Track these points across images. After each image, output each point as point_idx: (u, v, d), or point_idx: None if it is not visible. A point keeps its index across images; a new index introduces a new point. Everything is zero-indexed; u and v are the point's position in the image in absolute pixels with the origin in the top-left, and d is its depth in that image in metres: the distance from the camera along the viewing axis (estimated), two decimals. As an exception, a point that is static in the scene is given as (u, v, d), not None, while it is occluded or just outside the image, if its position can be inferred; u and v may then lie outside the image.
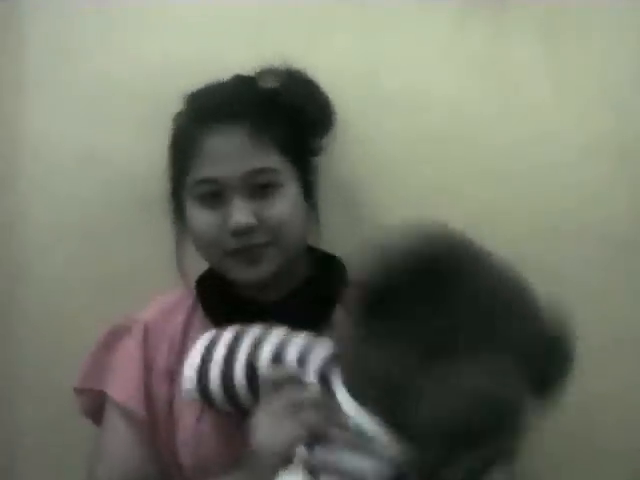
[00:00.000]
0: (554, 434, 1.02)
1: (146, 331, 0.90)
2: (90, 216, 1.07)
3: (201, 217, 0.86)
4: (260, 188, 0.85)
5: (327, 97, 0.91)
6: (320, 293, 0.88)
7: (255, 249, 0.85)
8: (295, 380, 0.70)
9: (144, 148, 1.05)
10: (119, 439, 0.87)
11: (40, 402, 1.08)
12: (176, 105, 0.91)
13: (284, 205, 0.86)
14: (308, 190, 0.91)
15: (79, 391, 0.93)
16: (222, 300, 0.90)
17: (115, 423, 0.88)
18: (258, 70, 0.89)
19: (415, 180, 1.04)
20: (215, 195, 0.85)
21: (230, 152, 0.84)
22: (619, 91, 1.01)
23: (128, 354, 0.89)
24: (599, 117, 1.01)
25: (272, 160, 0.85)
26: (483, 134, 1.03)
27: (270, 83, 0.88)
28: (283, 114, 0.86)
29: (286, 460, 0.64)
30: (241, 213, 0.83)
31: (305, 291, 0.90)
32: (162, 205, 1.04)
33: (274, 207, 0.85)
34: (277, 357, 0.72)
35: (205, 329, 0.80)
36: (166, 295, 0.95)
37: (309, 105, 0.89)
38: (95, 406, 0.92)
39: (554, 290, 1.01)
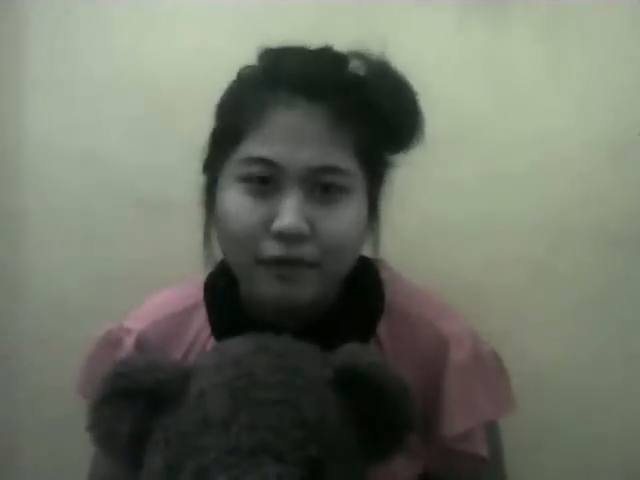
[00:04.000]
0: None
1: (139, 343, 0.78)
2: (90, 216, 1.07)
3: (240, 205, 0.67)
4: (322, 190, 0.67)
5: (418, 103, 0.73)
6: (352, 324, 0.73)
7: (296, 267, 0.67)
8: None
9: (144, 148, 1.05)
10: None
11: (40, 402, 1.08)
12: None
13: (346, 218, 0.68)
14: (373, 206, 0.74)
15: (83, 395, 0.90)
16: (231, 321, 0.75)
17: None
18: (351, 50, 0.71)
19: (414, 180, 1.04)
20: (265, 182, 0.67)
21: (302, 134, 0.66)
22: (619, 91, 1.01)
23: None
24: (599, 117, 1.01)
25: (346, 159, 0.68)
26: (483, 134, 1.03)
27: (360, 70, 0.71)
28: (367, 108, 0.69)
29: None
30: (293, 215, 0.65)
31: (335, 320, 0.73)
32: (162, 205, 1.04)
33: (334, 218, 0.67)
34: None
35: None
36: (163, 296, 0.85)
37: (396, 107, 0.70)
38: None
39: (552, 288, 1.03)
